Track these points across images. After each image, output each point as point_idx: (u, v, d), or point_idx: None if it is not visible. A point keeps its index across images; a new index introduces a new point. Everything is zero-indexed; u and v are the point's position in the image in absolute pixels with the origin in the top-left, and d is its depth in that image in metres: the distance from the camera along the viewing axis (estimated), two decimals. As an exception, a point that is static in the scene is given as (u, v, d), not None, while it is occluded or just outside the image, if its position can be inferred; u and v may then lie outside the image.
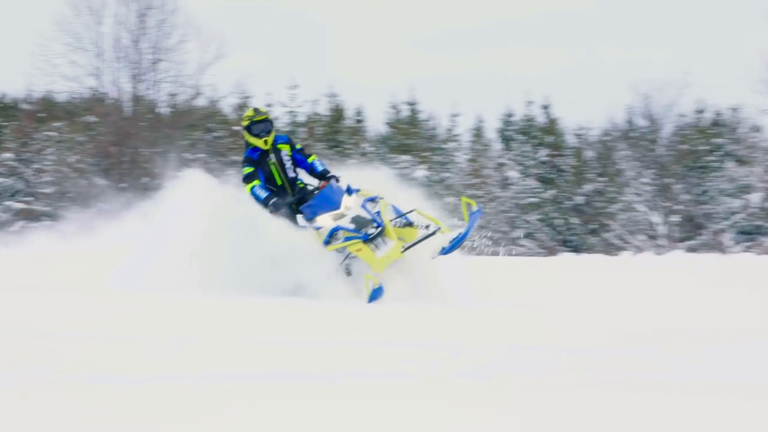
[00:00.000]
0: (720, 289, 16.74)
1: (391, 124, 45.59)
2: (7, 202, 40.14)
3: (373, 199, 15.23)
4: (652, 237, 41.64)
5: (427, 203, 15.93)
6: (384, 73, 68.53)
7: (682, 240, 41.79)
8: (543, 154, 45.08)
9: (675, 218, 41.75)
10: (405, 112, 45.96)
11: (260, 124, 15.70)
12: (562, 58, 68.91)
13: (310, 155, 16.03)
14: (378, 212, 15.00)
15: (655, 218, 41.48)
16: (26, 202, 39.97)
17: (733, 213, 42.39)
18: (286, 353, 8.97)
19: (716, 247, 40.48)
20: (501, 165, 44.46)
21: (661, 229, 41.12)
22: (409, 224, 15.33)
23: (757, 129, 41.87)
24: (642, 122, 44.93)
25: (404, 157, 41.20)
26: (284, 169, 15.88)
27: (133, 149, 40.70)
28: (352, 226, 14.96)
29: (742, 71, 55.93)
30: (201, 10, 67.39)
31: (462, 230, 14.93)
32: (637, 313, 13.41)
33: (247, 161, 15.85)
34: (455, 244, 14.86)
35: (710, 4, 73.63)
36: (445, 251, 14.89)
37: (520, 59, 69.89)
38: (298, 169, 16.13)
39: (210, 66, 41.95)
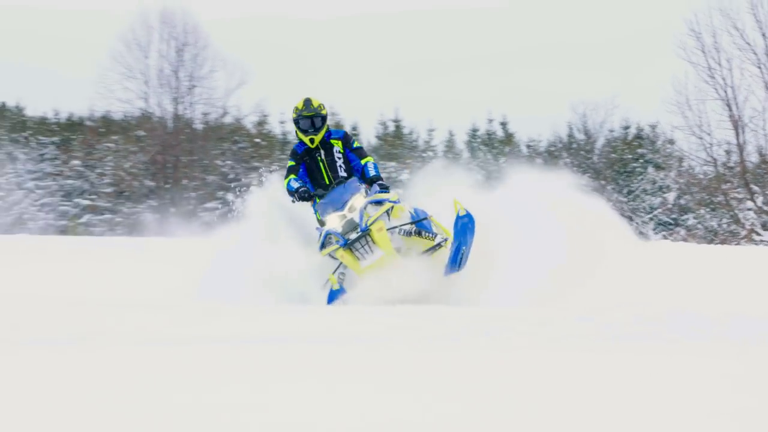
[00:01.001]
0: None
1: (380, 137, 45.90)
2: (76, 200, 40.36)
3: (379, 202, 11.47)
4: (590, 228, 41.82)
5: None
6: (374, 95, 68.62)
7: (614, 230, 42.12)
8: (502, 161, 45.45)
9: (608, 213, 42.16)
10: (391, 127, 46.30)
11: (308, 119, 11.78)
12: (515, 81, 69.07)
13: (365, 156, 11.98)
14: (371, 216, 11.26)
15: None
16: (91, 200, 40.16)
17: (654, 208, 42.77)
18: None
19: (642, 236, 40.86)
20: (469, 171, 44.75)
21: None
22: (419, 233, 11.41)
23: (671, 141, 42.30)
24: (580, 136, 45.28)
25: (391, 164, 41.46)
26: (334, 168, 11.96)
27: (174, 157, 40.93)
28: (340, 230, 11.26)
29: (658, 95, 56.15)
30: (228, 45, 67.44)
31: (454, 246, 11.06)
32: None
33: (292, 154, 12.05)
34: (452, 262, 11.05)
35: (632, 39, 73.85)
36: (447, 271, 11.09)
37: (480, 82, 70.00)
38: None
39: (235, 90, 42.31)
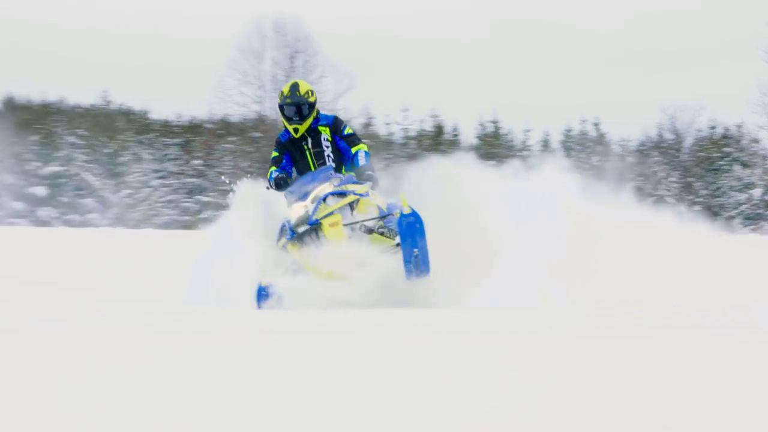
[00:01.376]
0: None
1: (479, 137, 45.91)
2: (197, 197, 41.10)
3: (343, 193, 9.61)
4: (679, 223, 41.53)
5: None
6: (473, 98, 68.66)
7: (702, 225, 41.78)
8: (595, 160, 45.16)
9: (696, 208, 41.79)
10: (490, 128, 46.29)
11: (292, 107, 10.09)
12: (607, 82, 68.59)
13: (357, 144, 10.15)
14: (328, 209, 9.47)
15: (681, 209, 41.45)
16: (211, 197, 40.84)
17: (740, 204, 42.34)
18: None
19: (729, 230, 40.53)
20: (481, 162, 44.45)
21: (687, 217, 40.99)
22: (381, 232, 9.51)
23: (756, 140, 42.06)
24: (669, 135, 44.95)
25: (490, 163, 41.43)
26: (321, 157, 10.19)
27: (287, 157, 41.40)
28: (294, 222, 9.54)
29: (744, 97, 55.51)
30: (336, 52, 67.99)
31: (403, 250, 9.09)
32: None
33: (276, 144, 10.42)
34: (405, 266, 9.06)
35: (718, 43, 72.97)
36: (408, 276, 9.09)
37: (575, 87, 69.64)
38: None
39: (343, 94, 42.68)
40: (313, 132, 10.22)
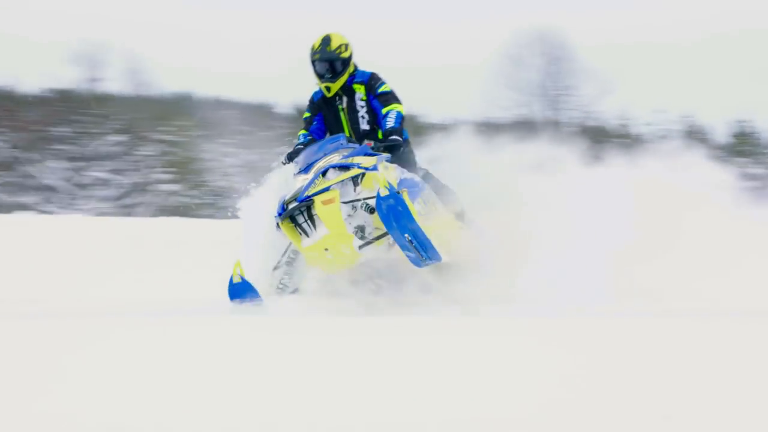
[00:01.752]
0: None
1: (732, 136, 46.44)
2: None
3: (346, 167, 7.79)
4: None
5: None
6: (725, 98, 68.50)
7: None
8: None
9: None
10: (741, 127, 46.77)
11: (323, 63, 8.47)
12: None
13: (391, 104, 8.46)
14: (324, 184, 7.67)
15: None
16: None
17: None
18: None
19: None
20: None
21: None
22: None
23: None
24: None
25: (742, 159, 42.05)
26: (355, 120, 8.64)
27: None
28: (288, 197, 7.74)
29: None
30: (595, 58, 68.92)
31: (394, 238, 7.38)
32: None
33: (309, 103, 8.84)
34: (407, 254, 7.34)
35: None
36: (416, 265, 7.38)
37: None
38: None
39: (600, 98, 44.16)
40: (348, 90, 8.65)
